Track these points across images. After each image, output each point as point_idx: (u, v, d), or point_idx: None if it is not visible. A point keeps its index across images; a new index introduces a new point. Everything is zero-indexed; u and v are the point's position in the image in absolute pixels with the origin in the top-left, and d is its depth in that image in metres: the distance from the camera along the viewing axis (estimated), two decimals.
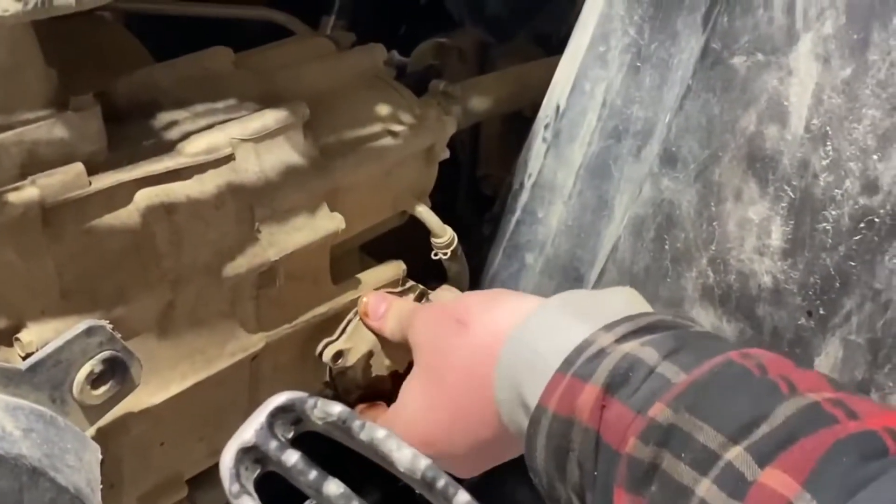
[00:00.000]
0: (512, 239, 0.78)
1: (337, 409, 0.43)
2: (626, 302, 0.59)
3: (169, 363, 0.65)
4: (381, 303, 0.75)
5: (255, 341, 0.69)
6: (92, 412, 0.58)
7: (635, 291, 0.61)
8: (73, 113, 0.58)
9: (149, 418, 0.64)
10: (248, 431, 0.44)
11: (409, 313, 0.71)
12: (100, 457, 0.57)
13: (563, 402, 0.54)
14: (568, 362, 0.55)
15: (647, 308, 0.59)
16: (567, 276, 0.73)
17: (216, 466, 0.70)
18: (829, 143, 0.59)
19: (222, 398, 0.67)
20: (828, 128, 0.59)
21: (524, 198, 0.77)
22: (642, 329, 0.55)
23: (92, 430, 0.59)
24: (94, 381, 0.57)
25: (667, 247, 0.66)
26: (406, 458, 0.42)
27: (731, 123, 0.62)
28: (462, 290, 0.78)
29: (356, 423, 0.43)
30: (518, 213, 0.77)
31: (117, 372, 0.58)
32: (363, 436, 0.43)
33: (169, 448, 0.67)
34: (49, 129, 0.57)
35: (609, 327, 0.56)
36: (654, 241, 0.66)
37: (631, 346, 0.54)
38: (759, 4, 0.61)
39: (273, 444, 0.43)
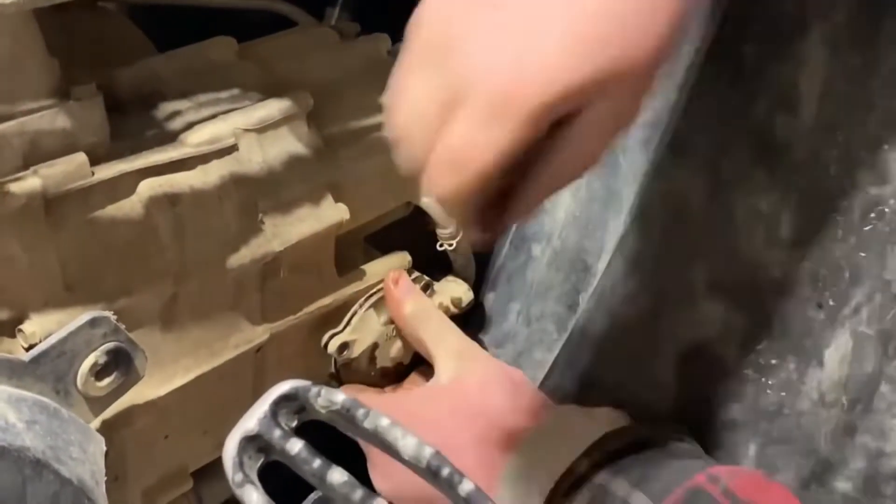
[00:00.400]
0: (519, 230, 0.77)
1: (341, 397, 0.43)
2: (611, 421, 0.64)
3: (173, 355, 0.64)
4: (411, 290, 0.75)
5: (260, 333, 0.68)
6: (96, 404, 0.58)
7: (621, 411, 0.66)
8: (75, 103, 0.58)
9: (153, 410, 0.64)
10: (252, 420, 0.44)
11: (434, 321, 0.73)
12: (104, 449, 0.57)
13: None
14: (553, 492, 0.59)
15: (626, 423, 0.64)
16: (574, 267, 0.72)
17: (221, 459, 0.70)
18: (839, 133, 0.58)
19: (227, 390, 0.67)
20: (839, 117, 0.58)
21: None
22: (618, 451, 0.60)
23: (96, 423, 0.58)
24: (98, 372, 0.57)
25: (675, 238, 0.65)
26: (411, 446, 0.42)
27: (741, 113, 0.62)
28: (468, 281, 0.78)
29: (360, 412, 0.42)
30: None
31: (121, 363, 0.58)
32: (367, 424, 0.43)
33: (173, 440, 0.67)
34: (51, 120, 0.57)
35: (589, 451, 0.60)
36: (662, 233, 0.66)
37: (604, 478, 0.59)
38: None
39: (277, 433, 0.43)
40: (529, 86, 0.44)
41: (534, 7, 0.44)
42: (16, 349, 0.58)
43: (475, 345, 0.73)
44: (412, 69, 0.48)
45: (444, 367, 0.71)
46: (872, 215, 0.57)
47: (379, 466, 0.68)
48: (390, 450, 0.44)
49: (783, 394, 0.62)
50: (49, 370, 0.55)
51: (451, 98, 0.46)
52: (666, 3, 0.44)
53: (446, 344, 0.71)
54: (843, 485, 0.61)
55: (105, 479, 0.56)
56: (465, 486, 0.41)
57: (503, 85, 0.44)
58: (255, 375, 0.70)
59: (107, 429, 0.60)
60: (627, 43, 0.44)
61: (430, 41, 0.47)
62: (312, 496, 0.67)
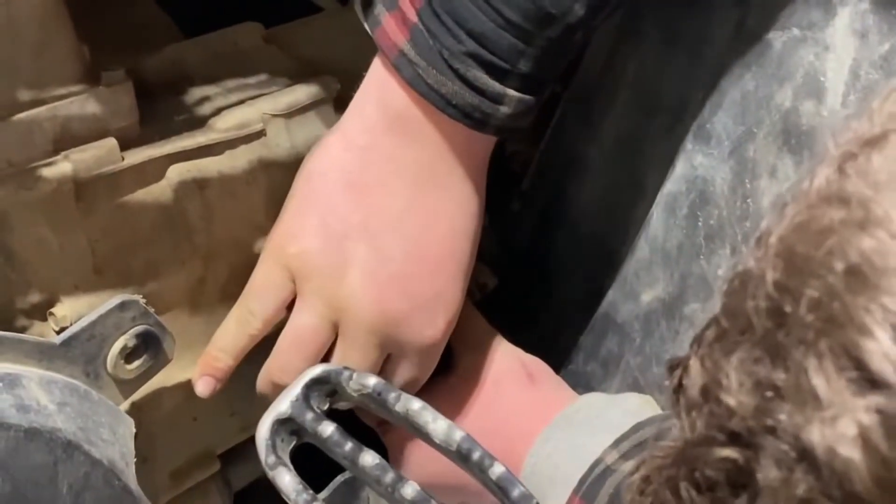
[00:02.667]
0: (542, 216, 0.77)
1: (372, 380, 0.43)
2: (637, 410, 0.64)
3: (201, 338, 0.65)
4: None
5: (287, 315, 0.69)
6: (125, 386, 0.58)
7: (649, 398, 0.66)
8: (105, 88, 0.58)
9: (181, 393, 0.65)
10: (284, 403, 0.44)
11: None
12: (133, 431, 0.57)
13: None
14: (581, 482, 0.59)
15: (657, 411, 0.64)
16: (598, 253, 0.72)
17: (248, 441, 0.71)
18: None
19: (254, 372, 0.68)
20: (864, 104, 0.58)
21: (554, 175, 0.77)
22: (647, 441, 0.60)
23: (126, 405, 0.59)
24: (128, 355, 0.58)
25: (700, 224, 0.65)
26: (441, 429, 0.42)
27: (767, 99, 0.62)
28: (493, 266, 0.78)
29: (392, 395, 0.43)
30: (548, 191, 0.77)
31: (150, 346, 0.58)
32: (398, 407, 0.43)
33: (201, 423, 0.68)
34: (81, 105, 0.58)
35: (617, 443, 0.60)
36: (687, 219, 0.66)
37: (631, 468, 0.57)
38: None
39: (309, 416, 0.44)
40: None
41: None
42: (47, 332, 0.59)
43: (495, 334, 0.72)
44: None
45: (461, 358, 0.71)
46: None
47: (399, 460, 0.68)
48: (420, 433, 0.44)
49: None
50: (79, 353, 0.56)
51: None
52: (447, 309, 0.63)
53: (465, 334, 0.70)
54: None
55: (134, 460, 0.56)
56: (496, 469, 0.41)
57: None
58: None
59: (136, 411, 0.61)
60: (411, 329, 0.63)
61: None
62: (339, 478, 0.68)
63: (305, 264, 0.61)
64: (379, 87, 0.61)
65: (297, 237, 0.62)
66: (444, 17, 0.57)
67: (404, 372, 0.65)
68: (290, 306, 0.64)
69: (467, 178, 0.63)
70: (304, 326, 0.62)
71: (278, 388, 0.58)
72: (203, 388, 0.63)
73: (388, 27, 0.58)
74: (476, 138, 0.61)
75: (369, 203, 0.61)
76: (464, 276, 0.64)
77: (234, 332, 0.63)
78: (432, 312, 0.63)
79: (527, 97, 0.59)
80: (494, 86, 0.57)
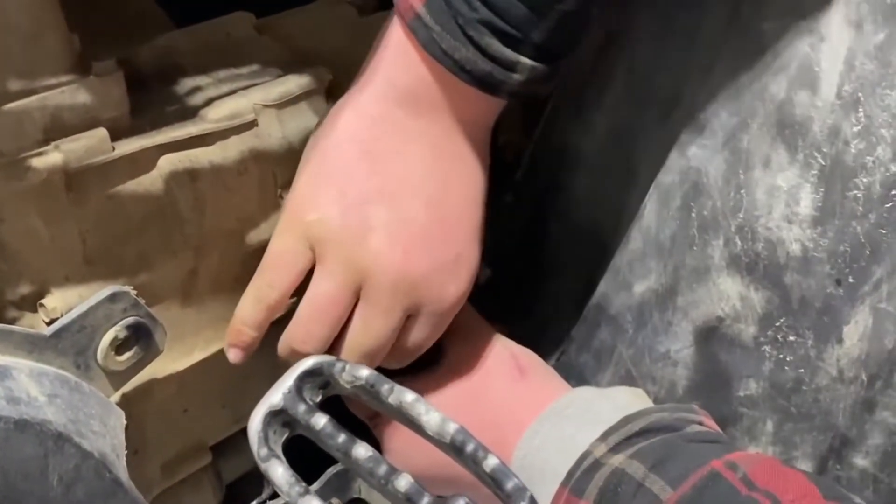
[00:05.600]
0: (535, 207, 0.77)
1: (365, 372, 0.43)
2: (627, 403, 0.63)
3: (193, 329, 0.65)
4: None
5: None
6: (116, 378, 0.58)
7: (640, 391, 0.66)
8: (95, 78, 0.58)
9: (173, 384, 0.65)
10: (277, 395, 0.44)
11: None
12: (124, 423, 0.57)
13: None
14: (569, 475, 0.59)
15: (647, 404, 0.63)
16: (593, 244, 0.72)
17: (240, 433, 0.71)
18: (860, 110, 0.58)
19: (246, 364, 0.67)
20: (860, 94, 0.58)
21: (547, 167, 0.76)
22: (635, 434, 0.59)
23: (116, 396, 0.59)
24: (119, 347, 0.57)
25: (693, 215, 0.65)
26: (435, 421, 0.42)
27: (761, 90, 0.61)
28: (484, 257, 0.78)
29: (385, 387, 0.43)
30: (542, 182, 0.77)
31: (141, 338, 0.58)
32: (391, 399, 0.43)
33: (193, 414, 0.67)
34: (72, 95, 0.57)
35: (605, 435, 0.59)
36: (680, 210, 0.66)
37: (620, 460, 0.57)
38: None
39: (301, 408, 0.43)
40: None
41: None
42: (37, 324, 0.58)
43: (486, 325, 0.72)
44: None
45: (452, 350, 0.71)
46: (894, 192, 0.57)
47: (390, 453, 0.68)
48: (413, 425, 0.44)
49: (801, 370, 0.61)
50: (70, 344, 0.55)
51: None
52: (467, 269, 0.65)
53: (455, 326, 0.70)
54: (861, 461, 0.61)
55: (125, 452, 0.56)
56: (490, 462, 0.41)
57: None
58: (274, 349, 0.70)
59: (126, 402, 0.61)
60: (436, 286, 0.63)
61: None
62: (331, 470, 0.68)
63: (326, 230, 0.61)
64: (393, 51, 0.61)
65: (316, 205, 0.62)
66: None
67: (419, 332, 0.65)
68: (307, 277, 0.64)
69: (474, 149, 0.64)
70: (324, 294, 0.62)
71: (298, 356, 0.59)
72: (234, 356, 0.65)
73: None
74: (483, 107, 0.62)
75: (386, 170, 0.62)
76: (478, 240, 0.66)
77: (253, 304, 0.64)
78: (453, 273, 0.64)
79: (540, 66, 0.59)
80: (507, 53, 0.58)
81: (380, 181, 0.62)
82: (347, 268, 0.62)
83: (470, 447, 0.41)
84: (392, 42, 0.61)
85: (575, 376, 0.72)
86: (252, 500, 0.73)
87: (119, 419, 0.57)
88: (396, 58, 0.61)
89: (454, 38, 0.58)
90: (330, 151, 0.62)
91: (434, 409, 0.42)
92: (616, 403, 0.64)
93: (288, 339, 0.64)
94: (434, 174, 0.63)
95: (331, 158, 0.62)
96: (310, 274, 0.63)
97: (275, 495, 0.70)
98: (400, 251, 0.61)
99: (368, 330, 0.62)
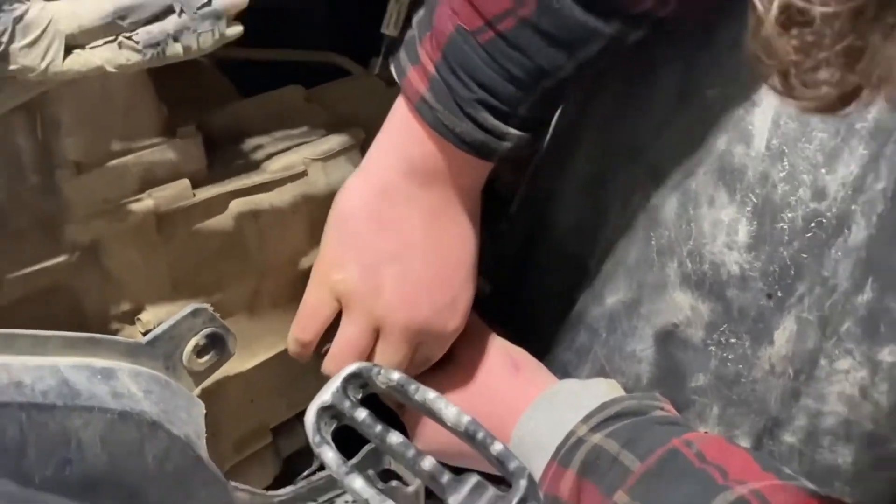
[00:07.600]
0: (526, 236, 0.77)
1: (396, 375, 0.44)
2: (604, 392, 0.63)
3: (257, 337, 0.65)
4: None
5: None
6: (197, 377, 0.59)
7: (614, 382, 0.65)
8: (180, 140, 0.59)
9: (241, 380, 0.65)
10: (327, 393, 0.44)
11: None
12: (204, 412, 0.57)
13: (551, 484, 0.58)
14: (557, 450, 0.59)
15: (620, 393, 0.64)
16: (573, 266, 0.72)
17: (295, 417, 0.71)
18: (785, 160, 0.58)
19: (299, 363, 0.68)
20: (784, 147, 0.58)
21: (536, 204, 0.76)
22: (611, 417, 0.59)
23: (197, 391, 0.59)
24: (199, 352, 0.58)
25: (653, 242, 0.65)
26: (452, 414, 0.43)
27: (706, 144, 0.61)
28: (486, 275, 0.78)
29: (412, 387, 0.43)
30: (531, 216, 0.77)
31: (217, 345, 0.58)
32: (417, 396, 0.43)
33: (257, 404, 0.68)
34: (161, 153, 0.58)
35: (586, 418, 0.59)
36: (642, 239, 0.66)
37: (598, 438, 0.57)
38: (728, 46, 0.60)
39: (347, 404, 0.44)
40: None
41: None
42: (135, 334, 0.59)
43: (487, 329, 0.71)
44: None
45: (459, 351, 0.70)
46: (812, 224, 0.57)
47: (414, 434, 0.68)
48: (434, 416, 0.44)
49: (740, 366, 0.61)
50: (161, 351, 0.56)
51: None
52: (463, 307, 0.65)
53: (462, 331, 0.69)
54: (789, 438, 0.61)
55: (205, 435, 0.56)
56: (497, 447, 0.41)
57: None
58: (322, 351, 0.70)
59: (205, 396, 0.61)
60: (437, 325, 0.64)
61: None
62: (366, 448, 0.68)
63: (349, 288, 0.62)
64: (400, 128, 0.61)
65: (339, 267, 0.62)
66: (458, 71, 0.57)
67: (428, 353, 0.67)
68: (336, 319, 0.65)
69: (468, 211, 0.64)
70: (350, 335, 0.63)
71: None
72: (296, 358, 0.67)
73: (412, 77, 0.59)
74: (478, 171, 0.62)
75: (395, 235, 0.62)
76: (472, 281, 0.66)
77: (293, 343, 0.66)
78: (451, 312, 0.64)
79: (524, 134, 0.59)
80: (499, 125, 0.58)
81: (388, 245, 0.62)
82: (367, 317, 0.63)
83: (480, 435, 0.42)
84: (397, 122, 0.61)
85: (560, 371, 0.71)
86: (303, 472, 0.73)
87: (200, 409, 0.57)
88: (404, 134, 0.61)
89: (454, 114, 0.57)
90: (348, 220, 0.63)
91: (451, 405, 0.43)
92: (595, 392, 0.63)
93: (327, 367, 0.65)
94: (433, 236, 0.63)
95: (349, 226, 0.63)
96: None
97: (321, 468, 0.71)
98: (407, 302, 0.62)
99: (388, 361, 0.63)
